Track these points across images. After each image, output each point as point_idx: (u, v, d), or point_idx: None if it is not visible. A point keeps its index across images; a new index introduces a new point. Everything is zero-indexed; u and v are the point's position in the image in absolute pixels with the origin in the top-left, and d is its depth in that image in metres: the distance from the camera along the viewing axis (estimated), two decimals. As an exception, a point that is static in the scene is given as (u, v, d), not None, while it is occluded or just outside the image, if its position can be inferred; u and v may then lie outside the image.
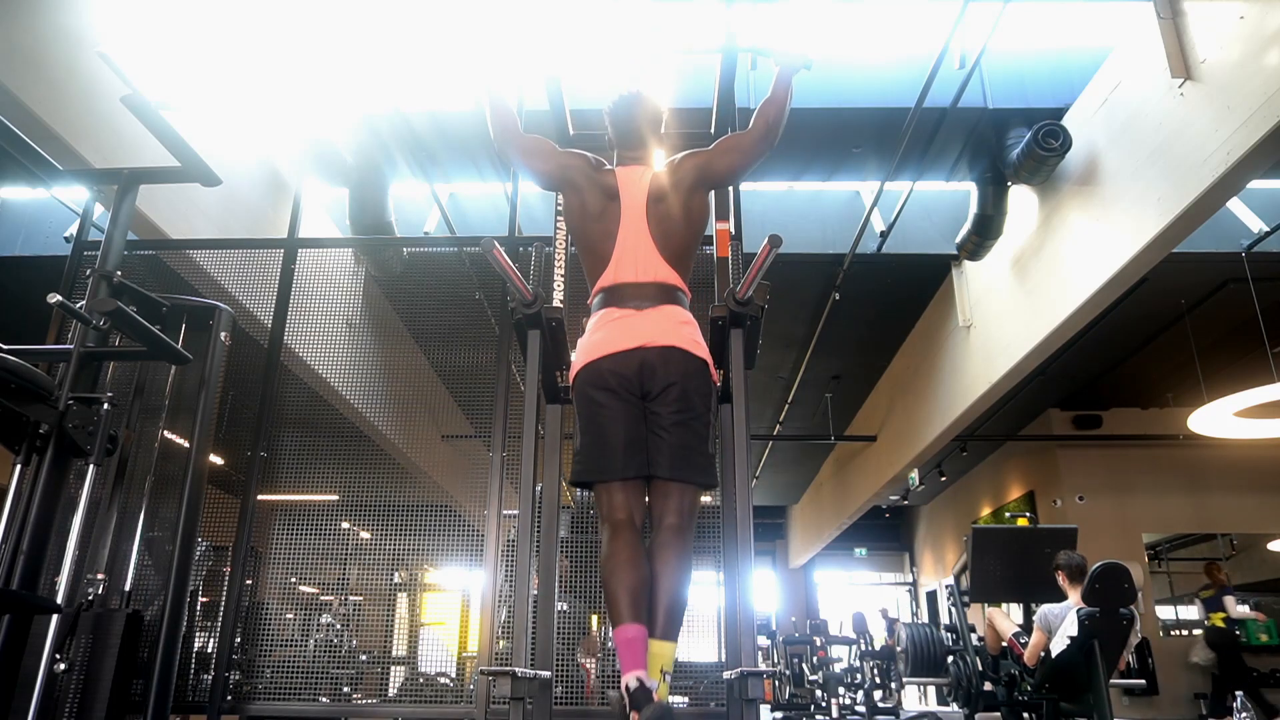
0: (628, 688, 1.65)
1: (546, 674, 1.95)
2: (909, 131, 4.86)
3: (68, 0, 3.80)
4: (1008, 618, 4.65)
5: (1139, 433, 9.21)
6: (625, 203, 2.17)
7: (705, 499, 2.94)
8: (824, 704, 6.89)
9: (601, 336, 2.07)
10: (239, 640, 3.41)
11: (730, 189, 2.82)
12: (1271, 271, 5.95)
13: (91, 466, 2.12)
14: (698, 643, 3.28)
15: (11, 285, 6.06)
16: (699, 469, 1.99)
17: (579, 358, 2.09)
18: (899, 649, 6.59)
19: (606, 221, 2.16)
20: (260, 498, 3.57)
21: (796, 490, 15.42)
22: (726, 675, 2.04)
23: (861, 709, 6.74)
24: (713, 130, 3.04)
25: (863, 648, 7.34)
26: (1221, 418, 6.32)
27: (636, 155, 2.30)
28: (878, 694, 6.88)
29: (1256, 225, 5.70)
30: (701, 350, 2.07)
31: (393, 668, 4.68)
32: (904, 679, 6.13)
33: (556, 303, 2.38)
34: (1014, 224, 6.06)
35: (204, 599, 3.76)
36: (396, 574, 4.30)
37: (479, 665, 3.23)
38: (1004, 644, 4.61)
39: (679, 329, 2.06)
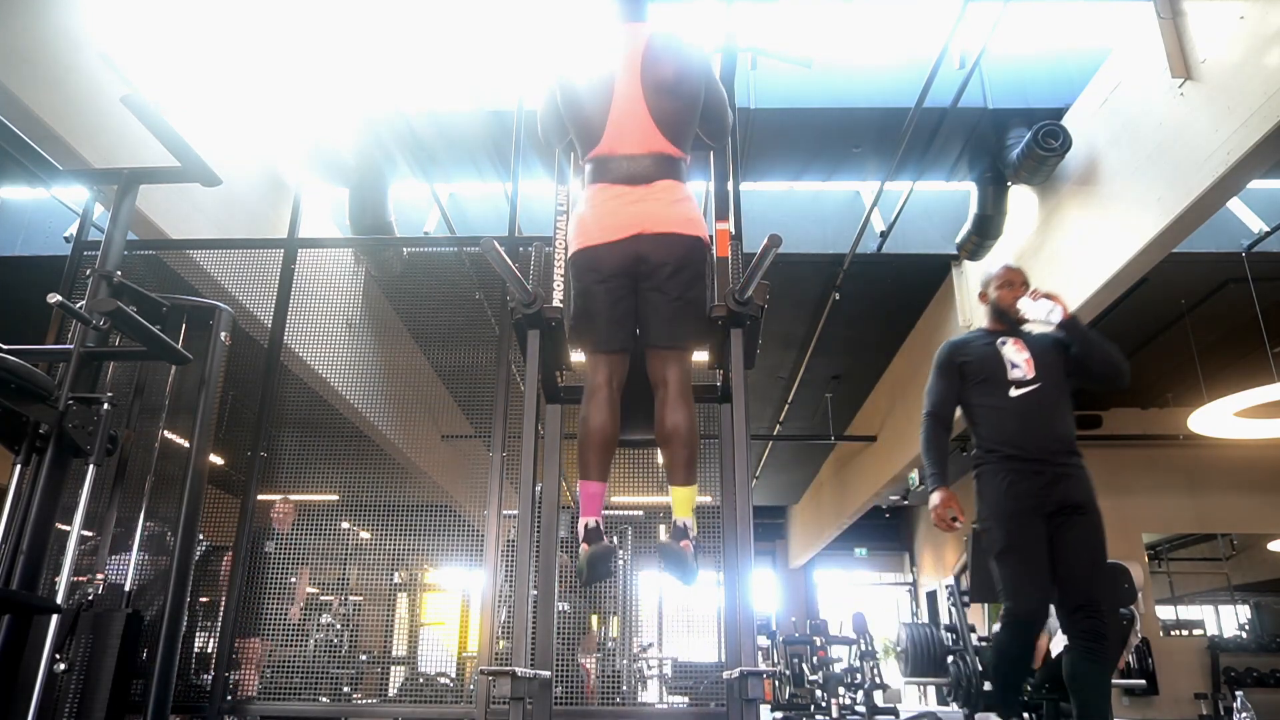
0: (586, 525, 1.95)
1: (546, 674, 1.95)
2: (909, 131, 4.86)
3: (68, 0, 3.80)
4: None
5: (1139, 433, 9.21)
6: (619, 70, 2.07)
7: (706, 498, 2.95)
8: (824, 704, 6.89)
9: (596, 217, 2.05)
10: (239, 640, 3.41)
11: (731, 189, 2.81)
12: (1271, 271, 5.95)
13: (91, 466, 2.11)
14: (698, 642, 3.28)
15: (11, 285, 6.06)
16: (692, 334, 2.09)
17: (574, 238, 2.09)
18: (899, 649, 6.59)
19: (598, 89, 2.07)
20: (260, 497, 3.56)
21: (796, 490, 15.41)
22: (726, 675, 2.04)
23: (861, 709, 6.74)
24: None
25: (863, 648, 7.33)
26: (1221, 418, 6.32)
27: (635, 13, 2.17)
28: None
29: (1256, 225, 5.69)
30: (695, 227, 2.05)
31: (393, 668, 4.69)
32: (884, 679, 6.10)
33: (556, 302, 2.38)
34: (1014, 224, 6.05)
35: (204, 599, 3.76)
36: (396, 574, 4.30)
37: (479, 665, 3.23)
38: None
39: (673, 208, 2.04)
